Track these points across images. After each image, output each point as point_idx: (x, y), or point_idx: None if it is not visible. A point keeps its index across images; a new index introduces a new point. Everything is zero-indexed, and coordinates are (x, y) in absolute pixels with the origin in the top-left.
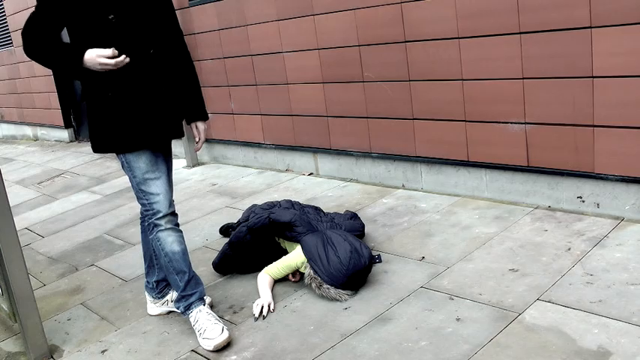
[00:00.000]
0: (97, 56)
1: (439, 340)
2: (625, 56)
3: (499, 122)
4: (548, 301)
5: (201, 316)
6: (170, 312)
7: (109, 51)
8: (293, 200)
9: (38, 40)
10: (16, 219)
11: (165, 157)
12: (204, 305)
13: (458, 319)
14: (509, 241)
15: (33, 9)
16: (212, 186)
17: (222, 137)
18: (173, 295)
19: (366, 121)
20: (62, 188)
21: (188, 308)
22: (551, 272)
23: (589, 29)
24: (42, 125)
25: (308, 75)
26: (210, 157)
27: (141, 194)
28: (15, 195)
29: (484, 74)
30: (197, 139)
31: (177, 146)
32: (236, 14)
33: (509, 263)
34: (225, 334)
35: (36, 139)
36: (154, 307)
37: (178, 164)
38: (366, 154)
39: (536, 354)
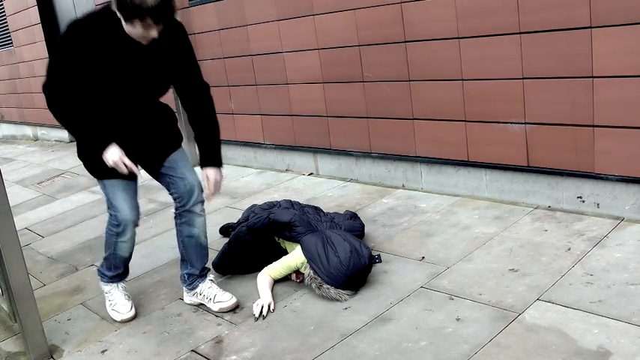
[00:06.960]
0: (113, 159)
1: (439, 340)
2: (625, 56)
3: (499, 122)
4: (548, 301)
5: (118, 291)
6: (200, 304)
7: (129, 165)
8: (293, 200)
9: (63, 104)
10: (16, 219)
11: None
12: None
13: (458, 319)
14: (509, 241)
15: (47, 59)
16: None
17: (222, 137)
18: (202, 288)
19: (366, 121)
20: (62, 188)
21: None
22: (551, 272)
23: (589, 29)
24: (42, 125)
25: (308, 75)
26: None
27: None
28: (15, 195)
29: (484, 74)
30: (206, 186)
31: None
32: (236, 14)
33: (509, 263)
34: (132, 312)
35: (36, 139)
36: (187, 297)
37: None
38: (366, 154)
39: (536, 354)
